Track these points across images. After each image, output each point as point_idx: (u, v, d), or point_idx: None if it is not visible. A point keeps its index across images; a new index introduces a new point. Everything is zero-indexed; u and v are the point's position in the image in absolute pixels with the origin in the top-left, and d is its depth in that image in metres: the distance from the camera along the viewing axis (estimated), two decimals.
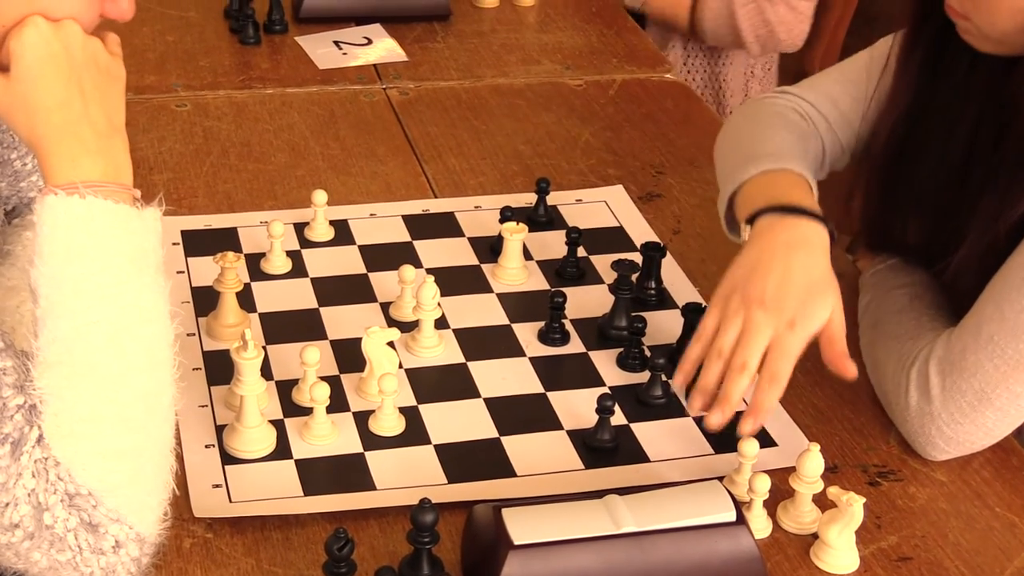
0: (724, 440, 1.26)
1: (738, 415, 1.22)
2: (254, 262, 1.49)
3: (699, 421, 1.29)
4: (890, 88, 1.43)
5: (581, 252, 1.53)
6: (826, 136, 1.49)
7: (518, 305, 1.46)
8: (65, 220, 1.01)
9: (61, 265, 1.01)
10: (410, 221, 1.60)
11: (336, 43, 2.04)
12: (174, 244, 1.51)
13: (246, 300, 1.43)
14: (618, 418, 1.29)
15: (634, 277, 1.45)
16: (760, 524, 1.16)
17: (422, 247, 1.55)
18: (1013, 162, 1.25)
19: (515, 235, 1.49)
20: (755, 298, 1.21)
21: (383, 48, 2.03)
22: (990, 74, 1.30)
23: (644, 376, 1.34)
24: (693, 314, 1.38)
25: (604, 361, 1.38)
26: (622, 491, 1.12)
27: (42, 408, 0.98)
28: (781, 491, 1.19)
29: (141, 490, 1.00)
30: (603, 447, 1.25)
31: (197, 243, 1.52)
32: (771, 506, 1.18)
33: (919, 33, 1.37)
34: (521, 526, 1.06)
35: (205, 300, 1.41)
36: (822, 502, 1.17)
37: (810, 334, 1.21)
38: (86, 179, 1.03)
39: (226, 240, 1.53)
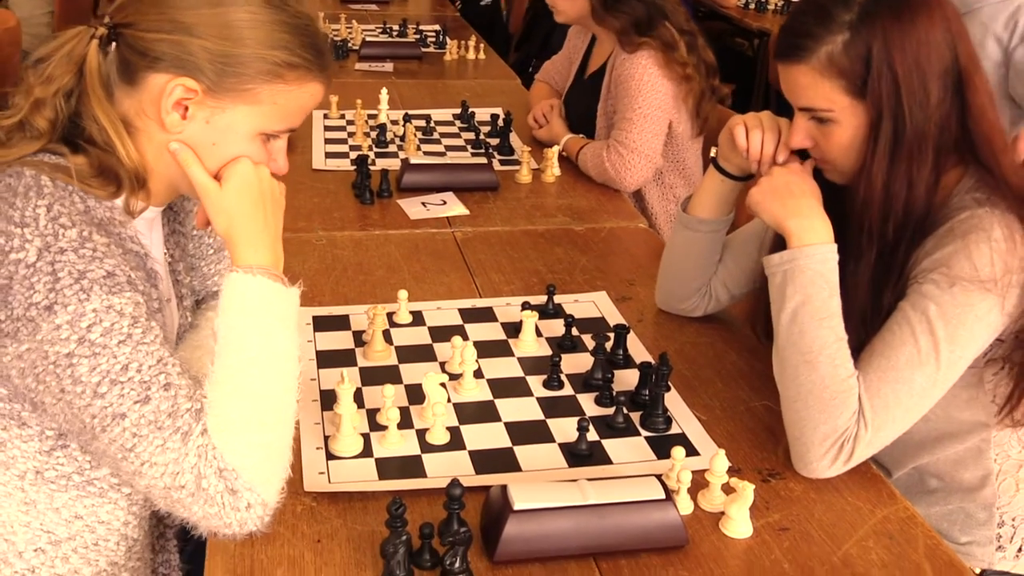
0: (662, 451, 1.25)
1: (670, 439, 1.21)
2: (358, 336, 1.50)
3: (647, 439, 1.29)
4: None
5: (575, 332, 1.53)
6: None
7: (530, 364, 1.45)
8: (241, 289, 1.04)
9: (235, 317, 1.03)
10: (463, 312, 1.61)
11: (423, 203, 2.08)
12: (307, 324, 1.53)
13: (350, 360, 1.44)
14: (593, 436, 1.28)
15: (608, 346, 1.46)
16: (685, 504, 1.15)
17: (470, 328, 1.55)
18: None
19: (529, 318, 1.50)
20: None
21: (454, 207, 2.07)
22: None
23: (611, 410, 1.33)
24: (646, 369, 1.38)
25: (586, 400, 1.37)
26: (591, 480, 1.11)
27: (208, 411, 0.99)
28: (701, 483, 1.18)
29: (268, 470, 1.01)
30: (581, 454, 1.24)
31: (323, 324, 1.54)
32: (694, 493, 1.17)
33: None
34: (520, 497, 1.06)
35: (326, 359, 1.43)
36: (729, 491, 1.15)
37: None
38: (259, 264, 1.06)
39: (342, 323, 1.54)
